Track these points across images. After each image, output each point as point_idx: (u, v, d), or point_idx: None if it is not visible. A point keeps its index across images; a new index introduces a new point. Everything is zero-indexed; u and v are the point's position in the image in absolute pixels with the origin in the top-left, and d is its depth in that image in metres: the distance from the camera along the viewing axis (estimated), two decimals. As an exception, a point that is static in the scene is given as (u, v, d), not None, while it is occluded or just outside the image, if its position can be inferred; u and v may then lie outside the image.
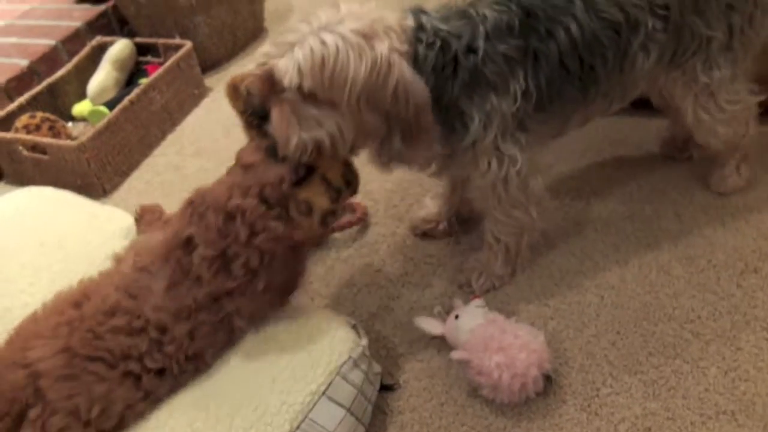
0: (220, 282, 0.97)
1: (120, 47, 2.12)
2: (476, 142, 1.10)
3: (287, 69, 0.93)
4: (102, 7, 2.32)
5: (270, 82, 0.97)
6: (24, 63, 2.04)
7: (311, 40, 0.92)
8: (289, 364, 1.01)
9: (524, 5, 1.08)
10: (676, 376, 1.13)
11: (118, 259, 1.09)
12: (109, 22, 2.33)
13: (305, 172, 1.02)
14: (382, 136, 1.04)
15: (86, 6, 2.35)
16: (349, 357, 1.04)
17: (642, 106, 1.47)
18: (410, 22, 1.02)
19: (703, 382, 1.12)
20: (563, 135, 1.29)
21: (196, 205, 0.99)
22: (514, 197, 1.19)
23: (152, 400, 0.99)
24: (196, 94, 2.16)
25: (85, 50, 2.16)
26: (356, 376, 1.05)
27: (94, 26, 2.27)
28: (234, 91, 1.02)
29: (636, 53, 1.14)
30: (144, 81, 2.00)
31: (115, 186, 1.84)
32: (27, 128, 1.85)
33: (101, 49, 2.17)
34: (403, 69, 0.97)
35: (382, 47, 0.94)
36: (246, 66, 2.30)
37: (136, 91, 1.89)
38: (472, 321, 1.16)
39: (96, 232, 1.33)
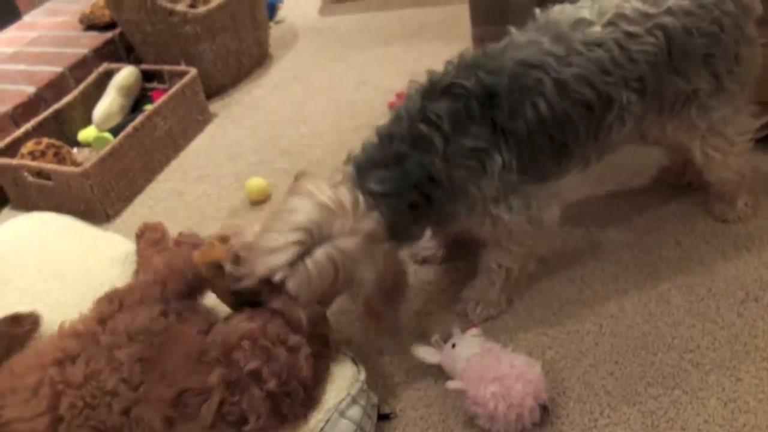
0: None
1: (126, 74, 2.15)
2: (468, 218, 1.15)
3: (300, 287, 0.98)
4: (109, 35, 2.35)
5: (268, 283, 0.99)
6: (31, 90, 2.07)
7: (318, 256, 0.97)
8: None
9: (486, 85, 1.07)
10: (675, 407, 1.12)
11: (102, 314, 1.04)
12: (116, 49, 2.37)
13: None
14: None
15: (94, 33, 2.39)
16: (348, 394, 1.04)
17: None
18: (364, 200, 1.02)
19: (702, 414, 1.10)
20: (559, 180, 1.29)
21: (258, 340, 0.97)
22: (522, 235, 1.19)
23: None
24: (201, 120, 2.18)
25: (91, 77, 2.19)
26: (355, 412, 1.04)
27: (101, 53, 2.30)
28: (217, 269, 1.05)
29: (611, 124, 1.15)
30: (149, 107, 2.03)
31: (118, 212, 1.86)
32: (32, 154, 1.87)
33: (108, 75, 2.21)
34: (398, 260, 1.09)
35: (380, 255, 1.02)
36: (252, 92, 2.34)
37: (140, 118, 1.91)
38: (468, 350, 1.16)
39: (95, 258, 1.34)
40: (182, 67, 2.17)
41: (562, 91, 1.09)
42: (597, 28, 1.11)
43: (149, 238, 1.30)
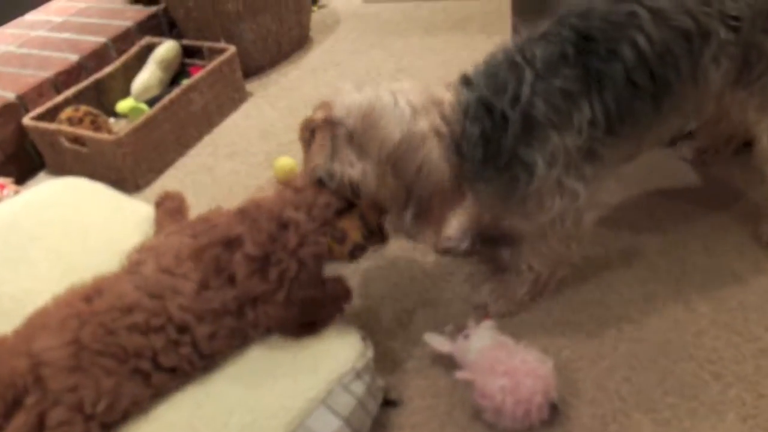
0: (252, 285, 1.00)
1: (166, 48, 2.18)
2: (541, 184, 1.08)
3: (342, 104, 1.02)
4: (153, 9, 2.38)
5: (330, 113, 1.04)
6: (74, 58, 2.11)
7: (370, 90, 1.01)
8: (291, 368, 1.00)
9: (579, 29, 1.05)
10: (691, 419, 1.08)
11: (134, 260, 1.09)
12: (159, 24, 2.40)
13: (347, 206, 1.08)
14: (399, 205, 1.07)
15: (139, 7, 2.42)
16: (353, 367, 1.03)
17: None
18: (460, 96, 1.05)
19: (718, 428, 1.06)
20: (635, 158, 1.26)
21: (249, 211, 1.05)
22: (565, 232, 1.15)
23: (159, 396, 0.99)
24: (236, 98, 2.19)
25: (133, 49, 2.22)
26: (358, 387, 1.03)
27: (144, 27, 2.33)
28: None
29: (708, 65, 1.09)
30: (186, 82, 2.05)
31: (148, 182, 1.88)
32: (70, 120, 1.91)
33: (149, 49, 2.24)
34: (432, 151, 1.02)
35: (422, 124, 1.01)
36: (289, 74, 2.34)
37: (176, 91, 1.93)
38: (480, 342, 1.14)
39: (119, 224, 1.36)
40: (221, 45, 2.19)
41: (660, 21, 1.05)
42: None
43: (168, 207, 1.31)
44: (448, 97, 1.05)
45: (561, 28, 1.06)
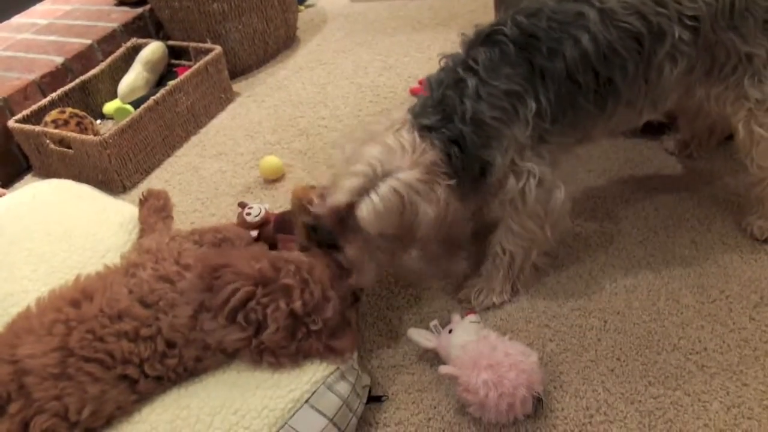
0: (278, 338, 0.98)
1: (152, 49, 2.17)
2: (499, 171, 1.12)
3: (368, 218, 1.02)
4: (139, 10, 2.38)
5: (339, 217, 1.06)
6: (59, 60, 2.11)
7: (383, 189, 1.02)
8: (274, 372, 1.00)
9: (524, 27, 1.08)
10: (675, 408, 1.08)
11: (130, 261, 1.08)
12: (145, 25, 2.39)
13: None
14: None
15: (125, 8, 2.41)
16: (337, 368, 1.03)
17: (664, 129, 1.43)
18: (435, 150, 1.07)
19: (703, 417, 1.06)
20: (589, 143, 1.27)
21: (301, 270, 1.02)
22: (531, 209, 1.17)
23: (144, 400, 0.99)
24: (223, 98, 2.19)
25: (119, 51, 2.21)
26: (342, 387, 1.03)
27: (131, 28, 2.33)
28: (301, 208, 1.14)
29: (662, 63, 1.11)
30: (172, 83, 2.04)
31: (134, 183, 1.87)
32: (55, 123, 1.90)
33: (135, 50, 2.23)
34: (456, 204, 1.09)
35: (441, 192, 1.05)
36: (276, 73, 2.34)
37: (161, 92, 1.93)
38: (464, 336, 1.14)
39: (103, 225, 1.35)
40: (208, 45, 2.18)
41: (608, 21, 1.06)
42: None
43: (152, 204, 1.31)
44: (407, 137, 1.07)
45: (507, 27, 1.08)
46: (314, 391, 1.00)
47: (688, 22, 1.08)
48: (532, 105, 1.08)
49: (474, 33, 1.13)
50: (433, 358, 1.20)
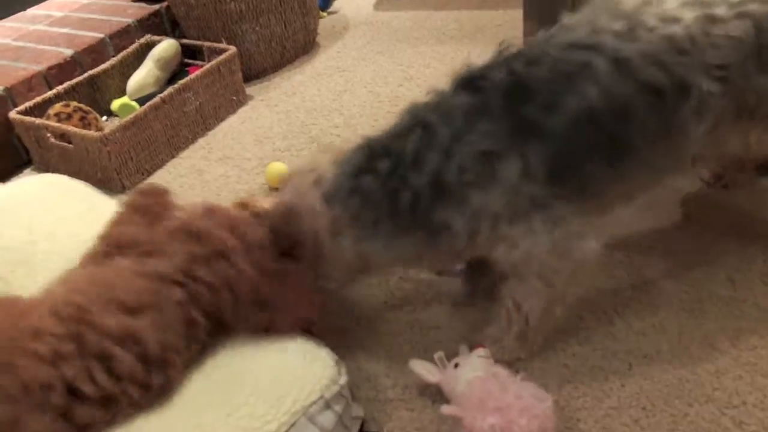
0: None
1: (165, 46, 2.10)
2: (472, 238, 0.98)
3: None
4: (156, 7, 2.31)
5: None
6: (68, 53, 2.04)
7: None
8: (249, 397, 0.88)
9: (518, 75, 0.94)
10: (707, 471, 0.95)
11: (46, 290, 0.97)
12: (161, 22, 2.32)
13: None
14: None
15: (142, 4, 2.34)
16: (321, 396, 0.91)
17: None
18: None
19: (739, 483, 0.93)
20: (606, 212, 1.08)
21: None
22: (546, 268, 1.02)
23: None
24: (235, 101, 2.10)
25: (131, 47, 2.14)
26: (327, 419, 0.91)
27: (145, 24, 2.26)
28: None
29: (687, 119, 0.97)
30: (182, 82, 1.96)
31: (135, 183, 1.79)
32: (58, 116, 1.83)
33: (149, 47, 2.16)
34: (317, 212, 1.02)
35: (347, 243, 1.02)
36: (292, 78, 2.25)
37: (169, 90, 1.84)
38: (471, 372, 1.02)
39: (90, 225, 1.24)
40: (222, 45, 2.10)
41: (623, 72, 0.93)
42: (673, 4, 0.97)
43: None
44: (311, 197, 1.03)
45: (497, 72, 0.95)
46: (293, 423, 0.88)
47: (716, 72, 0.95)
48: (516, 165, 0.93)
49: (460, 75, 0.99)
50: (436, 393, 1.08)
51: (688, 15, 0.95)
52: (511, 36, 2.29)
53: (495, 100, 0.94)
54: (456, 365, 1.05)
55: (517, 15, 2.46)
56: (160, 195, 1.21)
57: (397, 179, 0.96)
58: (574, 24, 0.99)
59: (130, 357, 0.84)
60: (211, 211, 1.03)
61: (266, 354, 0.96)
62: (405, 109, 1.03)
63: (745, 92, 1.00)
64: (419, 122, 0.98)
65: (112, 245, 1.04)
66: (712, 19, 0.95)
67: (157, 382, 0.87)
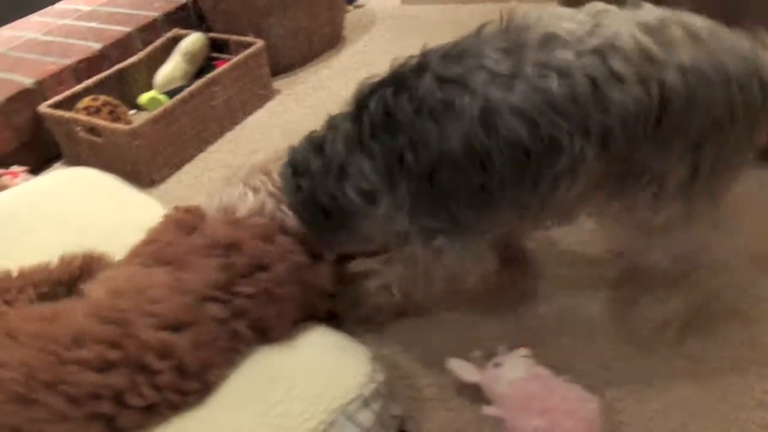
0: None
1: (192, 40, 2.08)
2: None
3: None
4: (183, 1, 2.30)
5: None
6: (97, 47, 2.03)
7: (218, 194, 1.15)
8: (286, 395, 0.86)
9: (388, 107, 0.90)
10: (761, 478, 0.91)
11: (88, 289, 0.95)
12: (187, 16, 2.31)
13: None
14: None
15: (170, -2, 2.34)
16: (359, 394, 0.89)
17: None
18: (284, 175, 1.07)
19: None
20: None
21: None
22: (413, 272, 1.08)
23: None
24: (262, 95, 2.08)
25: (159, 41, 2.13)
26: (365, 417, 0.89)
27: (172, 18, 2.25)
28: None
29: (558, 178, 0.88)
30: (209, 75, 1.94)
31: (163, 177, 1.78)
32: (87, 110, 1.82)
33: (176, 41, 2.15)
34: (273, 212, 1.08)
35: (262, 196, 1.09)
36: (319, 72, 2.23)
37: (197, 83, 1.83)
38: (513, 372, 0.99)
39: (121, 220, 1.25)
40: (249, 38, 2.08)
41: (488, 123, 0.84)
42: (568, 54, 0.82)
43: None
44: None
45: (372, 102, 0.92)
46: (333, 422, 0.86)
47: (596, 138, 0.84)
48: (386, 201, 0.95)
49: (357, 90, 0.98)
50: (474, 393, 1.05)
51: (582, 70, 0.81)
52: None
53: (365, 131, 0.93)
54: (496, 365, 1.02)
55: (546, 6, 2.43)
56: (199, 213, 1.21)
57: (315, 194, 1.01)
58: (460, 51, 0.89)
59: (169, 370, 0.82)
60: (237, 222, 1.01)
61: (301, 350, 0.94)
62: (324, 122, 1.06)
63: (629, 163, 0.88)
64: (316, 146, 1.02)
65: (151, 254, 1.02)
66: (614, 78, 0.81)
67: (195, 389, 0.85)
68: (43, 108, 1.82)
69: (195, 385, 0.85)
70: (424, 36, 2.36)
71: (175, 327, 0.84)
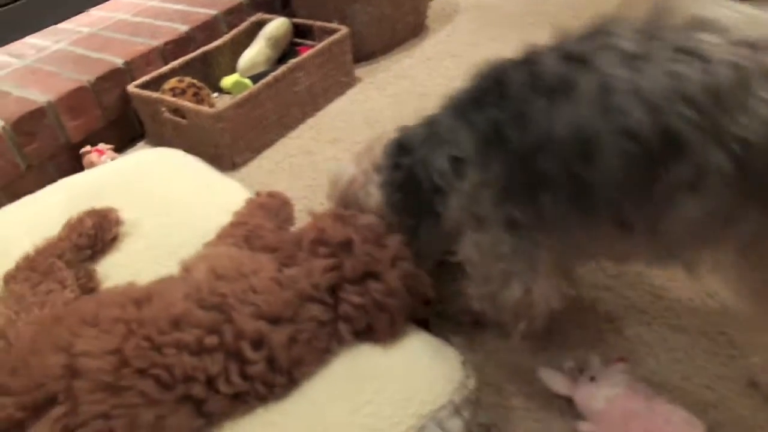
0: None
1: (276, 25, 2.08)
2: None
3: None
4: (268, -16, 2.30)
5: None
6: (183, 29, 2.05)
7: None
8: (376, 395, 0.83)
9: (498, 74, 0.86)
10: None
11: (186, 267, 0.94)
12: (272, 0, 2.30)
13: None
14: None
15: (255, -18, 2.34)
16: (450, 401, 0.85)
17: None
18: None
19: None
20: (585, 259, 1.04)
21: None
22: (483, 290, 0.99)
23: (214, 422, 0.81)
24: (344, 82, 2.06)
25: (243, 24, 2.14)
26: (455, 425, 0.85)
27: (257, 2, 2.24)
28: None
29: (676, 188, 0.74)
30: (294, 61, 1.93)
31: (245, 161, 1.78)
32: (173, 91, 1.84)
33: (260, 25, 2.15)
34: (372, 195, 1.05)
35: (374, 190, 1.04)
36: (402, 61, 2.18)
37: (282, 69, 1.82)
38: (611, 388, 0.93)
39: (206, 203, 1.24)
40: (334, 25, 2.06)
41: (603, 104, 0.74)
42: (716, 40, 0.71)
43: (268, 203, 1.16)
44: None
45: (487, 70, 0.89)
46: (422, 427, 0.82)
47: (733, 146, 0.69)
48: (475, 177, 0.87)
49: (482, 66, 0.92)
50: (564, 405, 1.00)
51: (727, 57, 0.69)
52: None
53: (472, 99, 0.89)
54: (592, 378, 0.96)
55: (640, 2, 2.31)
56: (282, 198, 1.19)
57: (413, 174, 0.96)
58: (598, 28, 0.81)
59: (261, 361, 0.80)
60: (345, 220, 0.96)
61: (393, 351, 0.90)
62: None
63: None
64: (426, 120, 0.99)
65: (242, 236, 1.01)
66: (763, 76, 0.68)
67: (282, 383, 0.83)
68: (131, 88, 1.84)
69: (283, 379, 0.83)
70: (510, 27, 2.33)
71: (274, 320, 0.82)
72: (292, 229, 1.19)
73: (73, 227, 1.08)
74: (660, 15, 0.78)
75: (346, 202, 1.08)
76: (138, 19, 2.19)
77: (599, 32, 0.80)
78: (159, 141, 1.90)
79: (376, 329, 0.88)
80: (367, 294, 0.87)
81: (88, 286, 1.05)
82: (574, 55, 0.78)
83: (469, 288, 1.01)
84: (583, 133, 0.76)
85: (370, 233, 0.93)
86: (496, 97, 0.85)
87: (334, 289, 0.88)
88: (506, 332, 1.04)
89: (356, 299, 0.87)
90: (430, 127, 0.96)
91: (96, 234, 1.09)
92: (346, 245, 0.90)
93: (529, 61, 0.84)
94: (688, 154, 0.72)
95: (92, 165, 1.72)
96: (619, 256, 0.96)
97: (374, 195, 1.03)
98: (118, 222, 1.15)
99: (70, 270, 1.00)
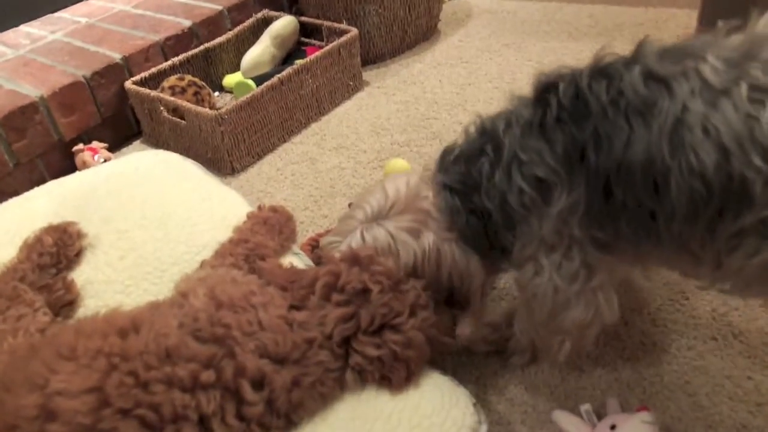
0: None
1: (283, 23, 2.00)
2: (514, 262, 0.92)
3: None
4: (275, -20, 2.22)
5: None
6: (186, 24, 1.97)
7: (360, 233, 0.93)
8: (384, 443, 0.76)
9: (580, 91, 0.78)
10: None
11: (178, 291, 0.86)
12: (280, -3, 2.23)
13: None
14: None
15: (261, -23, 2.26)
16: (471, 436, 0.78)
17: None
18: (443, 201, 0.92)
19: None
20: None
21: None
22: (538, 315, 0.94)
23: None
24: (351, 86, 1.98)
25: (248, 21, 2.06)
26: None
27: (264, -1, 2.17)
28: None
29: (739, 232, 0.72)
30: (300, 63, 1.85)
31: (244, 166, 1.70)
32: (173, 89, 1.76)
33: (265, 22, 2.07)
34: (454, 254, 0.93)
35: (428, 239, 0.92)
36: (411, 66, 2.11)
37: (287, 71, 1.74)
38: (635, 441, 0.86)
39: (204, 215, 1.16)
40: (343, 26, 1.98)
41: (676, 137, 0.71)
42: None
43: (270, 218, 1.09)
44: (433, 204, 0.94)
45: (564, 85, 0.80)
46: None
47: None
48: (563, 198, 0.80)
49: (542, 76, 0.85)
50: (580, 451, 0.93)
51: None
52: (654, 37, 2.06)
53: (551, 117, 0.80)
54: (613, 427, 0.89)
55: (659, 14, 2.23)
56: (285, 213, 1.12)
57: (479, 204, 0.89)
58: (679, 49, 0.76)
59: (260, 403, 0.73)
60: (361, 263, 0.86)
61: (397, 395, 0.83)
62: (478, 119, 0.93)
63: None
64: (490, 138, 0.88)
65: (243, 255, 0.94)
66: None
67: (279, 426, 0.75)
68: (129, 84, 1.77)
69: (280, 422, 0.75)
70: (525, 34, 2.25)
71: (279, 360, 0.75)
72: (294, 246, 1.13)
73: (32, 247, 1.00)
74: (753, 43, 0.71)
75: (426, 272, 0.95)
76: (139, 11, 2.11)
77: (688, 54, 0.74)
78: (155, 141, 1.83)
79: (390, 380, 0.81)
80: (384, 346, 0.80)
81: (66, 298, 0.97)
82: (659, 76, 0.73)
83: (520, 313, 1.00)
84: (654, 165, 0.73)
85: (387, 279, 0.84)
86: (574, 112, 0.78)
87: (347, 338, 0.80)
88: (544, 357, 1.03)
89: (372, 351, 0.79)
90: (495, 151, 0.87)
91: (58, 251, 1.01)
92: (363, 294, 0.82)
93: (608, 74, 0.77)
94: (755, 203, 0.69)
95: (85, 164, 1.64)
96: (691, 275, 0.93)
97: (455, 251, 0.94)
98: (80, 235, 1.07)
99: (39, 292, 0.92)
